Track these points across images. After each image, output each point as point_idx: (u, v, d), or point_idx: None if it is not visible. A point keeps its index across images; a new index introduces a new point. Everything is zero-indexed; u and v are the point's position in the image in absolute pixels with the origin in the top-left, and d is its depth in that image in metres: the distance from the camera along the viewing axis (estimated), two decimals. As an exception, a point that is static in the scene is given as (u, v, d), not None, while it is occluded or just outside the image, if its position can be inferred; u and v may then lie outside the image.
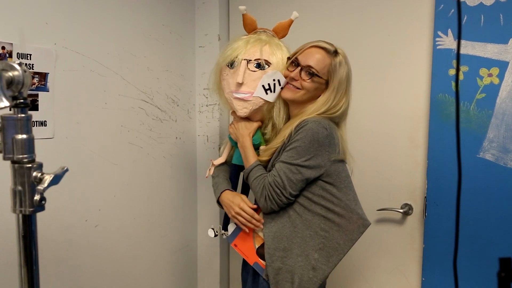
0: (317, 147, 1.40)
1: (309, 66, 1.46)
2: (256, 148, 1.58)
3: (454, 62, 1.72)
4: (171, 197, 2.15)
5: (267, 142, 1.61)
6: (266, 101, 1.54)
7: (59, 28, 1.53)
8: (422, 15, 1.84)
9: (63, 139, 1.57)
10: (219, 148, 2.25)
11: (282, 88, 1.53)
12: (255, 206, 1.52)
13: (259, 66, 1.52)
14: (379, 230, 1.98)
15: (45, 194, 0.80)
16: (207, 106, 2.26)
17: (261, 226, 1.50)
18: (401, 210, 1.91)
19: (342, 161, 1.50)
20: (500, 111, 1.67)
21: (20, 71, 0.77)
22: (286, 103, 1.58)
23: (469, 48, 1.70)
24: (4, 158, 0.79)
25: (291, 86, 1.50)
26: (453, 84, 1.72)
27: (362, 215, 1.50)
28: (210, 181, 2.34)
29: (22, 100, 0.79)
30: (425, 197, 1.82)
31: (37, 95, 1.46)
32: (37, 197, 0.79)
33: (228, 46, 1.60)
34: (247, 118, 1.60)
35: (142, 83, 1.91)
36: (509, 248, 1.68)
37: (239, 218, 1.52)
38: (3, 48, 1.35)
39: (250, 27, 1.63)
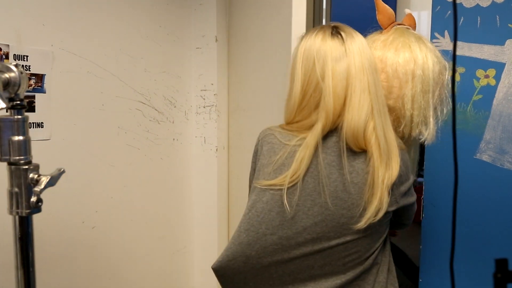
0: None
1: None
2: None
3: (450, 64, 1.73)
4: (168, 199, 2.14)
5: None
6: None
7: (56, 30, 1.53)
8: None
9: (60, 141, 1.56)
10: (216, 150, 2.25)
11: None
12: None
13: None
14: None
15: (42, 196, 0.80)
16: (204, 107, 2.26)
17: None
18: (398, 211, 1.91)
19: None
20: (496, 112, 1.68)
21: (17, 73, 0.77)
22: None
23: (465, 49, 1.70)
24: (1, 160, 0.79)
25: None
26: (450, 85, 1.73)
27: None
28: (207, 182, 2.34)
29: (18, 102, 0.79)
30: (422, 198, 1.82)
31: (34, 97, 1.46)
32: (33, 199, 0.79)
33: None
34: None
35: (139, 85, 1.91)
36: (506, 249, 1.68)
37: None
38: (-1, 49, 1.35)
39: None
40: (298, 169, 1.03)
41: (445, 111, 1.18)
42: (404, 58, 1.13)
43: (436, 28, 1.75)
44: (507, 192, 1.67)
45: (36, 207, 0.80)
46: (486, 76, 1.68)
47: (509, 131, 1.66)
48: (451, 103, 1.18)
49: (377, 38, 1.21)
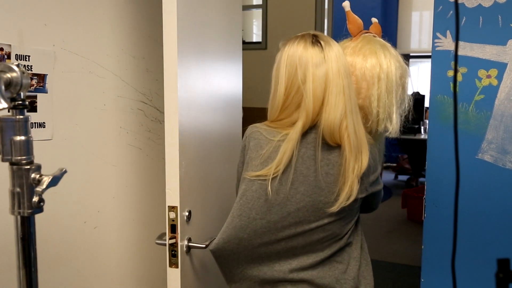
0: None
1: None
2: None
3: (452, 64, 1.72)
4: (170, 199, 2.15)
5: None
6: None
7: (58, 30, 1.53)
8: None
9: (62, 141, 1.57)
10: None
11: None
12: None
13: None
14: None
15: (44, 196, 0.80)
16: (206, 107, 2.26)
17: None
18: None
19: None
20: (498, 112, 1.68)
21: (19, 73, 0.77)
22: None
23: (467, 49, 1.70)
24: (3, 160, 0.79)
25: None
26: (452, 85, 1.73)
27: None
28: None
29: (20, 102, 0.79)
30: (424, 198, 1.82)
31: (35, 97, 1.46)
32: (35, 199, 0.79)
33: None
34: None
35: (141, 85, 1.91)
36: (508, 249, 1.68)
37: None
38: (1, 49, 1.35)
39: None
40: (281, 161, 1.17)
41: (406, 107, 1.35)
42: (371, 63, 1.29)
43: (438, 28, 1.75)
44: (509, 192, 1.67)
45: (38, 207, 0.80)
46: (488, 76, 1.68)
47: (511, 131, 1.66)
48: (410, 101, 1.38)
49: (348, 45, 1.36)
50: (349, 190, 1.16)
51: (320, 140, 1.17)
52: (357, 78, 1.29)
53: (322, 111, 1.17)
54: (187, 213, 1.46)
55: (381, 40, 1.38)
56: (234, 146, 2.02)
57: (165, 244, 1.45)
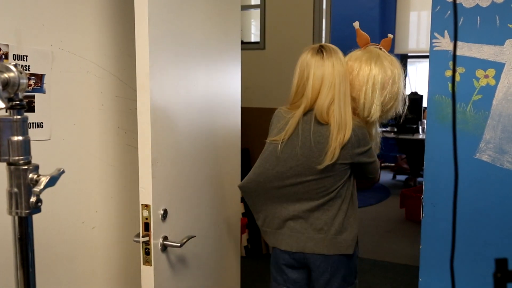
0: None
1: None
2: None
3: (450, 64, 1.73)
4: (168, 199, 2.14)
5: None
6: None
7: (56, 30, 1.53)
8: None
9: (60, 141, 1.56)
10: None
11: None
12: None
13: None
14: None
15: (42, 196, 0.80)
16: (204, 107, 2.26)
17: None
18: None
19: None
20: (496, 112, 1.68)
21: (16, 73, 0.77)
22: None
23: (465, 49, 1.70)
24: (0, 160, 0.79)
25: None
26: (450, 85, 1.73)
27: None
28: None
29: (18, 102, 0.79)
30: (422, 197, 1.82)
31: (33, 97, 1.46)
32: (33, 199, 0.79)
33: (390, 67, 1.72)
34: None
35: (139, 85, 1.90)
36: (506, 249, 1.68)
37: None
38: (-1, 49, 1.35)
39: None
40: (288, 131, 1.66)
41: (387, 101, 1.70)
42: (364, 69, 1.69)
43: (436, 28, 1.75)
44: (507, 192, 1.68)
45: (36, 208, 0.80)
46: (486, 76, 1.69)
47: (508, 131, 1.67)
48: (396, 100, 1.72)
49: (353, 54, 1.76)
50: (331, 154, 1.59)
51: (313, 119, 1.64)
52: (353, 78, 1.70)
53: (317, 99, 1.63)
54: (162, 212, 1.47)
55: (382, 52, 1.74)
56: (231, 145, 2.02)
57: (139, 242, 1.45)
